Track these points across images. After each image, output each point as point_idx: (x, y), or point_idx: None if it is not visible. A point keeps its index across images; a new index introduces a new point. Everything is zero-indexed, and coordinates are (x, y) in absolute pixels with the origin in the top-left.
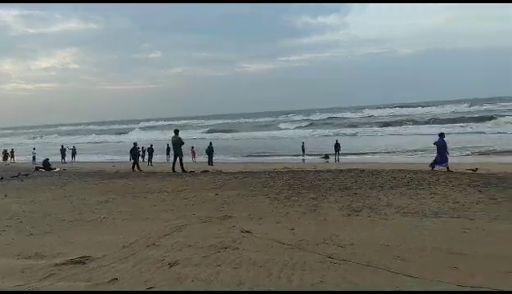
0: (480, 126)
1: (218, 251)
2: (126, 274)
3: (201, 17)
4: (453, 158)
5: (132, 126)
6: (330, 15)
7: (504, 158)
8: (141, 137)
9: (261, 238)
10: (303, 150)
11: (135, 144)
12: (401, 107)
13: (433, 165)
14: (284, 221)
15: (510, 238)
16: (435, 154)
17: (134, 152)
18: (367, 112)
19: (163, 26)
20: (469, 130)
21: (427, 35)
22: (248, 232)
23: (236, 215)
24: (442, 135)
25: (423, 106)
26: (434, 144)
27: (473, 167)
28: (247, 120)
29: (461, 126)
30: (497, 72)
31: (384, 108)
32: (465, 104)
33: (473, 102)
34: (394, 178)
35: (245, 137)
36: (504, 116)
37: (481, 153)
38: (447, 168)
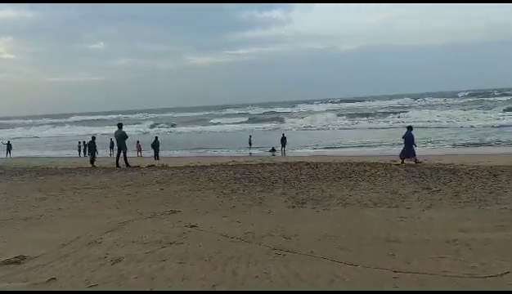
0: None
1: (163, 247)
2: (65, 273)
3: (147, 9)
4: (387, 150)
5: (68, 119)
6: (275, 10)
7: (438, 151)
8: (79, 133)
9: (207, 232)
10: (250, 144)
11: (93, 138)
12: (346, 102)
13: (402, 156)
14: (230, 215)
15: (442, 224)
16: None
17: (92, 146)
18: (316, 107)
19: (108, 16)
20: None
21: (368, 33)
22: (194, 226)
23: (182, 209)
24: (410, 128)
25: (362, 101)
26: (403, 137)
27: (417, 160)
28: (186, 114)
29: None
30: (432, 68)
31: (327, 102)
32: (399, 100)
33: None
34: (337, 170)
35: (189, 131)
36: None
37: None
38: (415, 160)
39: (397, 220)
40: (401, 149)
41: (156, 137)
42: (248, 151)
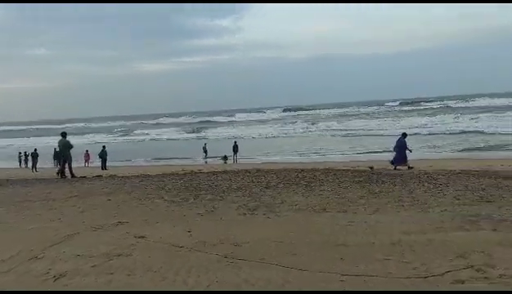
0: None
1: (110, 259)
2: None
3: (94, 13)
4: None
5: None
6: (226, 18)
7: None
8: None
9: (156, 242)
10: (206, 152)
11: (103, 147)
12: (295, 110)
13: (393, 163)
14: (181, 224)
15: (388, 228)
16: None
17: (59, 156)
18: (269, 115)
19: (51, 19)
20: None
21: (318, 41)
22: (142, 237)
23: (130, 220)
24: (404, 135)
25: (310, 109)
26: (396, 142)
27: (370, 165)
28: (134, 122)
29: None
30: (383, 77)
31: (278, 110)
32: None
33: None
34: (289, 177)
35: (139, 140)
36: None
37: (369, 152)
38: (408, 166)
39: (346, 225)
40: (394, 155)
41: (104, 146)
42: (203, 159)
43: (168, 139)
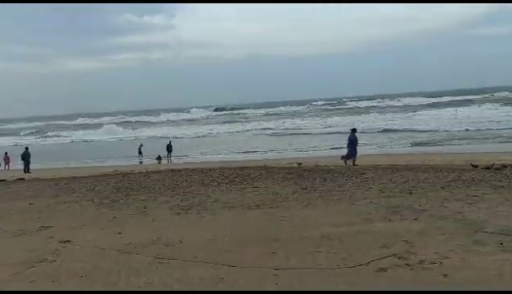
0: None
1: (32, 267)
2: None
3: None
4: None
5: None
6: (156, 15)
7: (315, 154)
8: None
9: (83, 246)
10: (140, 153)
11: (26, 148)
12: (228, 109)
13: (344, 158)
14: (110, 226)
15: (318, 221)
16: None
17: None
18: (202, 114)
19: None
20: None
21: (251, 42)
22: (68, 241)
23: (55, 224)
24: (354, 130)
25: (243, 108)
26: (348, 139)
27: (298, 162)
28: (61, 122)
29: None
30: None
31: (210, 109)
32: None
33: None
34: (222, 175)
35: (65, 141)
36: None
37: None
38: (353, 162)
39: (278, 220)
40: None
41: (27, 148)
42: (139, 160)
43: (97, 140)
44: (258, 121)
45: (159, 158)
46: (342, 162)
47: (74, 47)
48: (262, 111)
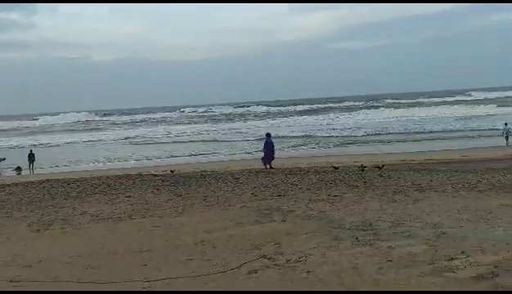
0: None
1: None
2: None
3: None
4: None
5: None
6: (13, 12)
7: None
8: None
9: None
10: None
11: None
12: (102, 115)
13: (264, 161)
14: None
15: (192, 228)
16: (132, 160)
17: None
18: (68, 119)
19: None
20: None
21: (125, 43)
22: None
23: None
24: (268, 135)
25: (114, 114)
26: (264, 143)
27: (172, 169)
28: None
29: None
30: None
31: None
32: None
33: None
34: (92, 185)
35: None
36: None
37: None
38: (270, 165)
39: (151, 230)
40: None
41: None
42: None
43: None
44: (132, 128)
45: (18, 168)
46: (216, 168)
47: None
48: (137, 117)
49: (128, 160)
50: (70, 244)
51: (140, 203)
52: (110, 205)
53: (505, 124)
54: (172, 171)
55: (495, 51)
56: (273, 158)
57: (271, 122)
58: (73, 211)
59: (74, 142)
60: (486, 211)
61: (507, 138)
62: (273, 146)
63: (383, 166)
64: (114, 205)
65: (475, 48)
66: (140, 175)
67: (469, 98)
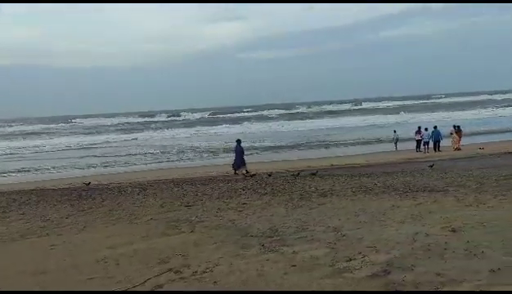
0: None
1: None
2: None
3: None
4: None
5: None
6: None
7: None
8: None
9: None
10: None
11: None
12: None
13: (235, 167)
14: None
15: (94, 245)
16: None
17: None
18: None
19: None
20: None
21: (22, 48)
22: None
23: None
24: (238, 141)
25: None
26: (235, 150)
27: (87, 182)
28: None
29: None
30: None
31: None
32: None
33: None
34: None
35: None
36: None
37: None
38: (246, 171)
39: (48, 249)
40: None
41: None
42: None
43: None
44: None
45: None
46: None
47: None
48: (35, 128)
49: (28, 171)
50: None
51: (36, 221)
52: (0, 224)
53: (394, 131)
54: (87, 184)
55: (389, 63)
56: (244, 164)
57: (175, 131)
58: None
59: None
60: (380, 212)
61: (396, 144)
62: (243, 152)
63: (299, 173)
64: (6, 224)
65: (371, 60)
66: (38, 189)
67: (361, 107)
